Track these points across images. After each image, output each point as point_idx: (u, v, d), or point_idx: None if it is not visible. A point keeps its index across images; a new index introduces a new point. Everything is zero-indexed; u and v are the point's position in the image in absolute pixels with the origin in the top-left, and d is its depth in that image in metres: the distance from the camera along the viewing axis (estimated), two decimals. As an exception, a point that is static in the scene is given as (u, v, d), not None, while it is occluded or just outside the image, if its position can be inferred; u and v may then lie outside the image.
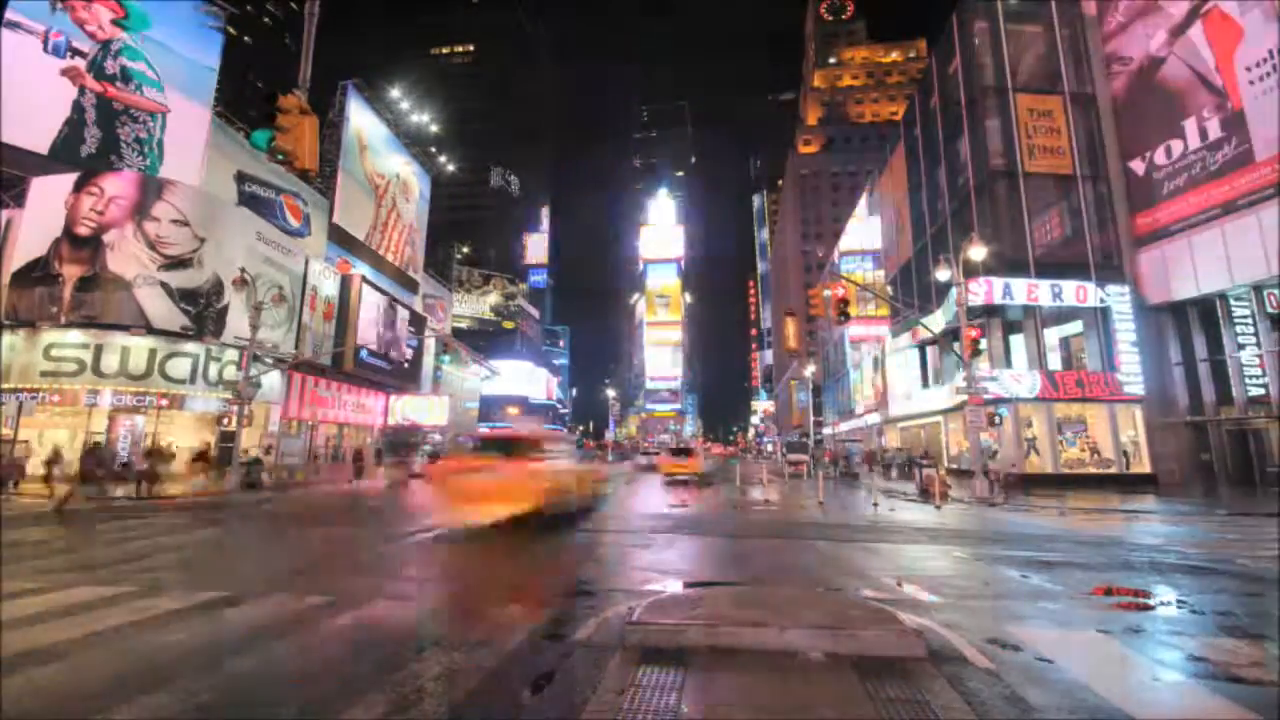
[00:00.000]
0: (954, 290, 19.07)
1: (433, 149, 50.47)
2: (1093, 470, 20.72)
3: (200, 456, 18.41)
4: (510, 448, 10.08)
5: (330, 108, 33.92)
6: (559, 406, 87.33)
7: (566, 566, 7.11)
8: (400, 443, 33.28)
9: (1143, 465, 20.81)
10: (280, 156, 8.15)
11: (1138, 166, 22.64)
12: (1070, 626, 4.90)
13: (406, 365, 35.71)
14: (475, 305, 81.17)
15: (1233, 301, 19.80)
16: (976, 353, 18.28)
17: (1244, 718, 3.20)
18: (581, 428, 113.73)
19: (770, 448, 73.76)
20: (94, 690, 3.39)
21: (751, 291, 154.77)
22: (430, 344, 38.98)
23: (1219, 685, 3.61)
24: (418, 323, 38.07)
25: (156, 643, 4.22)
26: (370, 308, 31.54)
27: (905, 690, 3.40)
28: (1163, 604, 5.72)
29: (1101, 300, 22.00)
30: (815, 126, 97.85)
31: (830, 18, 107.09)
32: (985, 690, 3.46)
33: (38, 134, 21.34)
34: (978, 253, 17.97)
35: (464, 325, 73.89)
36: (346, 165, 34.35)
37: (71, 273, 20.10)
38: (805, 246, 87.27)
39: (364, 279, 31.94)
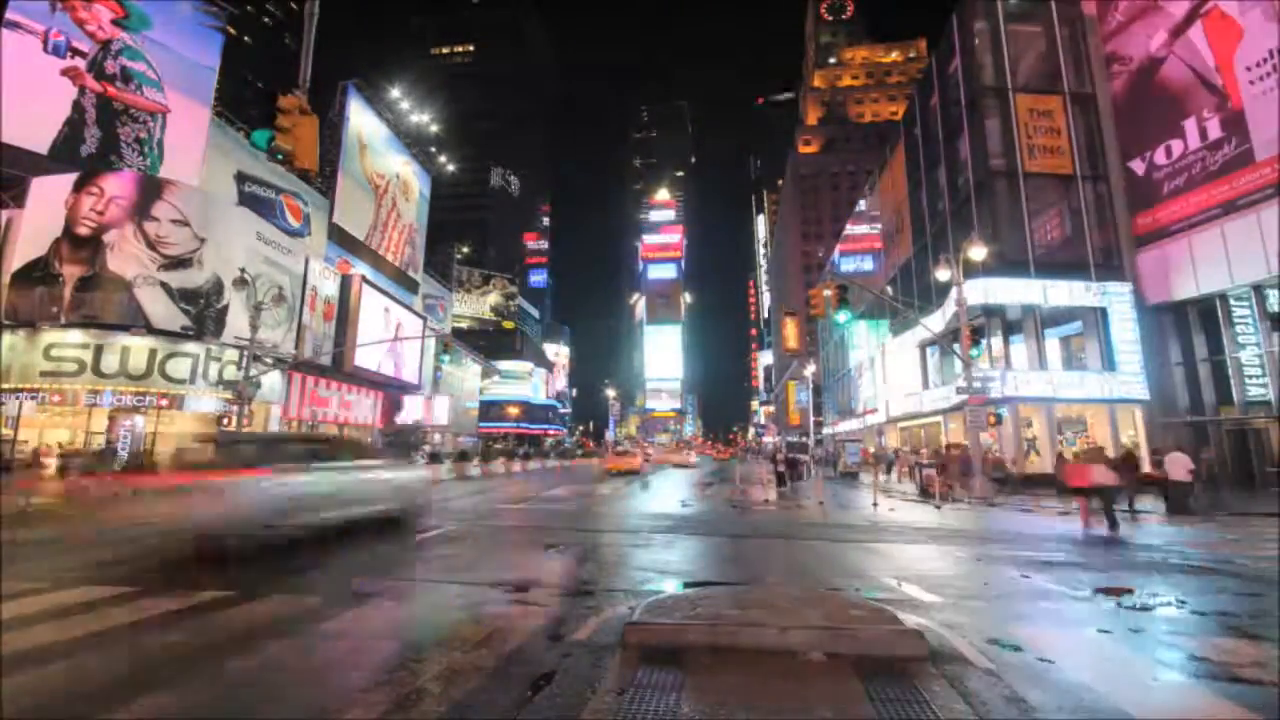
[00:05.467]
0: (954, 290, 19.07)
1: (433, 149, 50.47)
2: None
3: None
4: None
5: (330, 108, 33.92)
6: (559, 406, 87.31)
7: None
8: (401, 443, 33.27)
9: (1143, 465, 20.78)
10: (280, 156, 8.15)
11: (1138, 166, 22.63)
12: (1071, 626, 4.90)
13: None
14: (475, 305, 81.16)
15: (1233, 301, 19.80)
16: (976, 352, 18.29)
17: (1244, 718, 3.20)
18: (581, 428, 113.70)
19: (770, 447, 73.89)
20: (94, 690, 3.39)
21: (751, 291, 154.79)
22: (430, 344, 38.98)
23: (1219, 685, 3.61)
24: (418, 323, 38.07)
25: (156, 643, 4.22)
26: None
27: (905, 690, 3.40)
28: (1163, 604, 5.72)
29: (1101, 300, 22.01)
30: (815, 126, 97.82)
31: (830, 18, 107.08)
32: (985, 690, 3.46)
33: (38, 134, 21.33)
34: (978, 253, 17.97)
35: (464, 325, 73.86)
36: (346, 165, 34.34)
37: (71, 273, 20.09)
38: (805, 246, 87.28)
39: (364, 279, 31.95)
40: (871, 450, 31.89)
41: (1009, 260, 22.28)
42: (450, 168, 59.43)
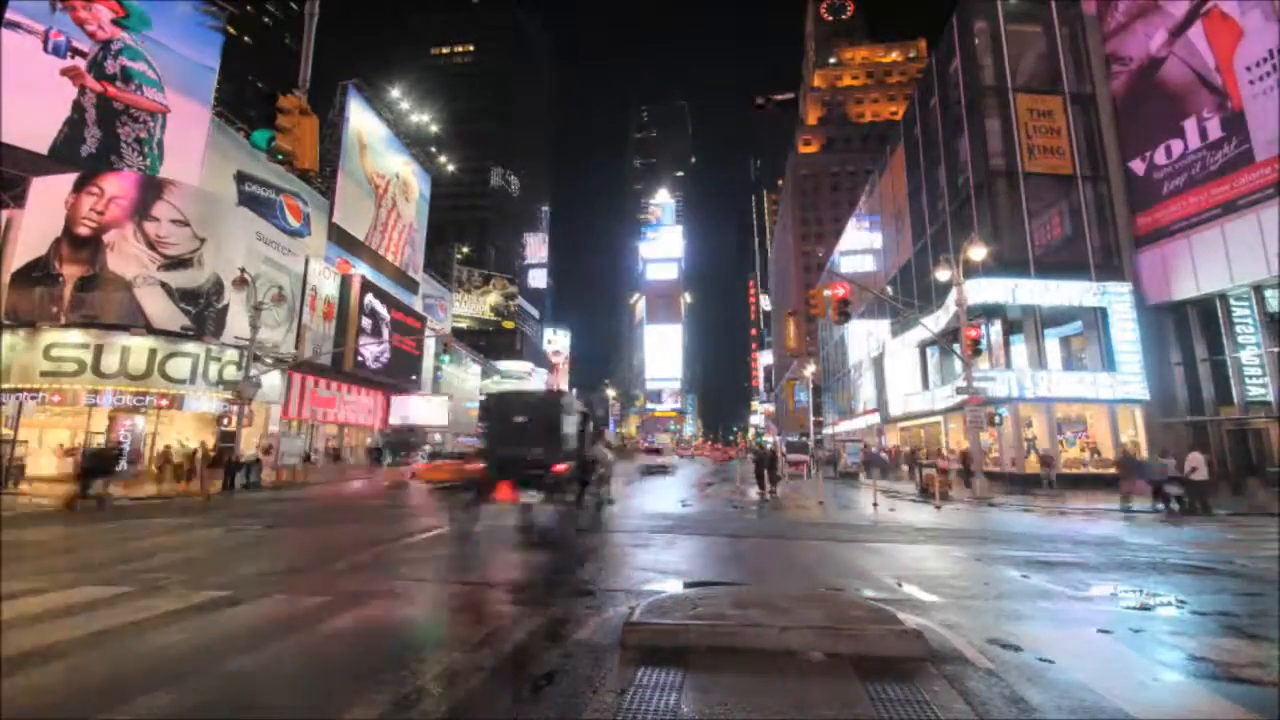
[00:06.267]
0: (954, 290, 19.06)
1: (432, 149, 50.45)
2: (1093, 470, 20.71)
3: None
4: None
5: (330, 108, 33.92)
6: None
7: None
8: (400, 443, 33.25)
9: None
10: (280, 156, 8.17)
11: (1138, 166, 22.62)
12: (1070, 626, 4.90)
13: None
14: (475, 305, 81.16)
15: (1233, 301, 19.79)
16: (976, 353, 18.28)
17: (1244, 718, 3.20)
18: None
19: (770, 446, 73.94)
20: (94, 690, 3.39)
21: (751, 291, 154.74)
22: (430, 344, 38.97)
23: (1219, 685, 3.61)
24: (418, 323, 38.05)
25: (156, 643, 4.22)
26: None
27: (905, 690, 3.40)
28: (1163, 604, 5.72)
29: (1101, 300, 22.01)
30: (815, 126, 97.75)
31: (830, 18, 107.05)
32: (985, 690, 3.46)
33: (38, 134, 21.34)
34: (978, 253, 17.96)
35: (464, 325, 73.86)
36: (346, 165, 34.34)
37: (71, 273, 20.09)
38: (805, 246, 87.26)
39: (364, 279, 31.95)
40: (897, 446, 31.53)
41: (1009, 260, 22.25)
42: (450, 168, 59.36)
